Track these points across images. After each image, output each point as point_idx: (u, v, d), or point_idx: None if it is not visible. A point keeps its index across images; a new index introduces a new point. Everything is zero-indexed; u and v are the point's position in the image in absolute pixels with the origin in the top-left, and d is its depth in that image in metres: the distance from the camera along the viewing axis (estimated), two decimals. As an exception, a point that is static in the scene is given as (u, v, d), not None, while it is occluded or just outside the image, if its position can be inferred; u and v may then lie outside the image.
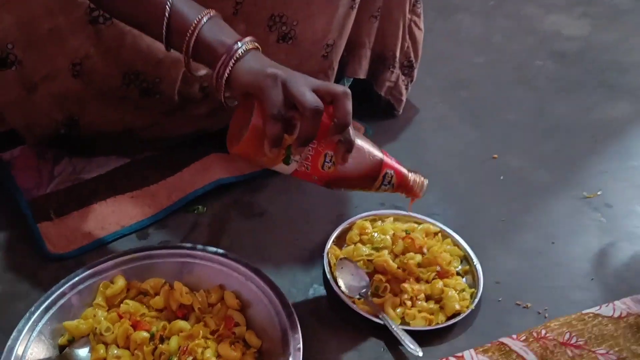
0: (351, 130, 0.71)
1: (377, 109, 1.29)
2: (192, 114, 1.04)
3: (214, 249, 0.85)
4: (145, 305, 0.81)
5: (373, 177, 0.76)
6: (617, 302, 0.84)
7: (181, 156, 1.07)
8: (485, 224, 1.04)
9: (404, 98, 1.27)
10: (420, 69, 1.31)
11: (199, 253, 0.85)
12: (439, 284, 0.87)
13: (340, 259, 0.89)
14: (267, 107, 0.66)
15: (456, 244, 0.95)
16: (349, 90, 0.70)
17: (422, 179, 0.81)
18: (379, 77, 1.22)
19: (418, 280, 0.88)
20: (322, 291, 0.88)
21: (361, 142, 0.75)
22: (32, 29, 0.86)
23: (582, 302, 0.90)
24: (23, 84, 0.90)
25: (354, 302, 0.84)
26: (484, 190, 1.12)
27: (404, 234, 0.94)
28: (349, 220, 0.97)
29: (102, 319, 0.77)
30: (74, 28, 0.88)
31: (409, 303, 0.84)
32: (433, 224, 0.98)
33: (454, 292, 0.85)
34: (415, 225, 0.98)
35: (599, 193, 1.13)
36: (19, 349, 0.71)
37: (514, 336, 0.78)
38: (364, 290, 0.86)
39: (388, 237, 0.93)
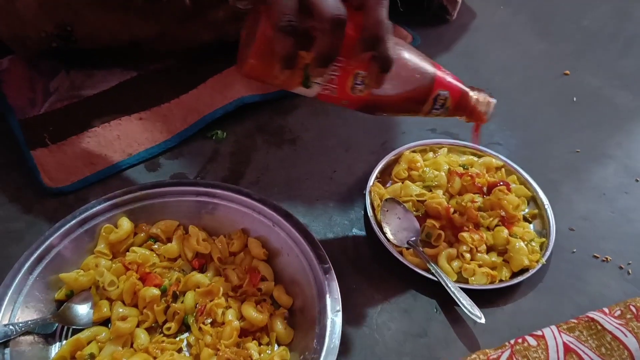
0: (389, 43, 0.54)
1: (427, 13, 1.09)
2: (208, 19, 0.87)
3: (236, 187, 0.71)
4: (155, 254, 0.68)
5: (421, 100, 0.61)
6: None
7: (197, 70, 0.90)
8: (555, 157, 0.88)
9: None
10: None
11: (219, 191, 0.71)
12: (504, 232, 0.72)
13: (386, 199, 0.74)
14: (274, 15, 0.50)
15: (523, 182, 0.80)
16: None
17: (489, 98, 0.64)
18: None
19: (477, 227, 0.74)
20: (363, 237, 0.75)
21: (407, 55, 0.58)
22: None
23: (672, 254, 0.76)
24: None
25: (401, 253, 0.71)
26: (553, 114, 0.95)
27: (461, 169, 0.78)
28: (395, 152, 0.81)
29: (105, 270, 0.64)
30: None
31: (467, 256, 0.71)
32: (495, 157, 0.82)
33: (521, 243, 0.71)
34: (474, 158, 0.82)
35: (692, 119, 0.95)
36: (4, 310, 0.60)
37: (606, 310, 0.63)
38: (413, 238, 0.72)
39: (442, 173, 0.77)
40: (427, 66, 0.60)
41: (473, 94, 0.63)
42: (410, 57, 0.59)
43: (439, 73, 0.60)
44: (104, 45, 0.85)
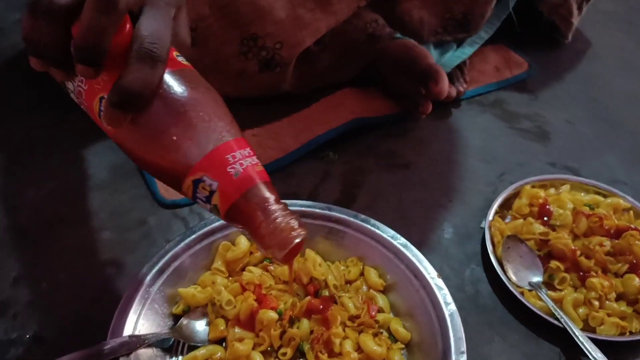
0: (150, 69, 0.40)
1: (538, 34, 1.05)
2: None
3: (353, 212, 0.70)
4: (271, 275, 0.67)
5: (175, 176, 0.43)
6: None
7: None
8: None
9: (574, 20, 1.01)
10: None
11: (335, 215, 0.69)
12: (635, 280, 0.67)
13: (508, 236, 0.71)
14: None
15: (653, 227, 0.75)
16: None
17: (295, 227, 0.43)
18: None
19: (605, 272, 0.69)
20: (481, 274, 0.71)
21: (181, 102, 0.42)
22: None
23: None
24: None
25: (522, 293, 0.67)
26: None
27: (587, 209, 0.74)
28: (515, 185, 0.78)
29: (223, 288, 0.64)
30: None
31: (596, 303, 0.66)
32: (623, 197, 0.77)
33: (656, 292, 0.66)
34: (599, 197, 0.78)
35: None
36: (130, 318, 0.60)
37: None
38: (535, 279, 0.68)
39: (568, 212, 0.73)
40: (203, 132, 0.41)
41: (272, 209, 0.43)
42: (186, 108, 0.42)
43: (218, 153, 0.41)
44: None
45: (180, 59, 0.45)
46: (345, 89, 0.89)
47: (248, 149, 0.44)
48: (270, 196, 0.43)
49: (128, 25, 0.42)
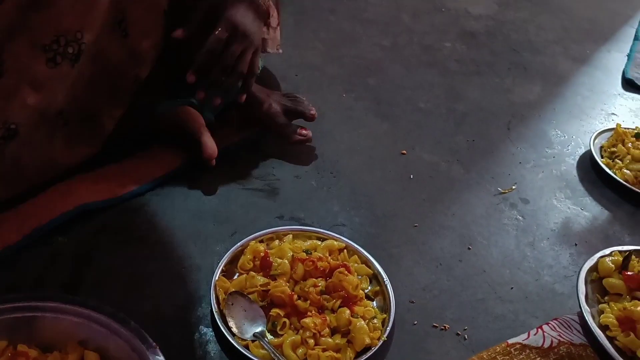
0: None
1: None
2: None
3: (68, 296, 0.69)
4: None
5: None
6: (546, 328, 0.75)
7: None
8: (397, 232, 0.93)
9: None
10: (322, 53, 1.18)
11: (49, 304, 0.68)
12: (346, 313, 0.75)
13: (230, 293, 0.75)
14: None
15: (364, 260, 0.84)
16: None
17: None
18: None
19: (323, 309, 0.76)
20: (210, 335, 0.74)
21: None
22: None
23: (502, 316, 0.82)
24: None
25: (247, 346, 0.71)
26: (394, 191, 1.02)
27: (304, 255, 0.81)
28: (241, 242, 0.83)
29: None
30: None
31: (311, 341, 0.72)
32: (337, 239, 0.86)
33: (362, 322, 0.74)
34: (318, 242, 0.86)
35: (514, 187, 1.06)
36: None
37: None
38: (259, 329, 0.72)
39: (286, 261, 0.80)
40: None
41: None
42: None
43: None
44: None
45: None
46: (77, 177, 0.89)
47: None
48: None
49: None
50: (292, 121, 1.05)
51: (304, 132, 1.04)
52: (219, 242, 0.86)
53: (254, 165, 1.01)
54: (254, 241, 0.83)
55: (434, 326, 0.79)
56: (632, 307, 0.70)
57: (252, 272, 0.78)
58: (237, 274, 0.80)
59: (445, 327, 0.79)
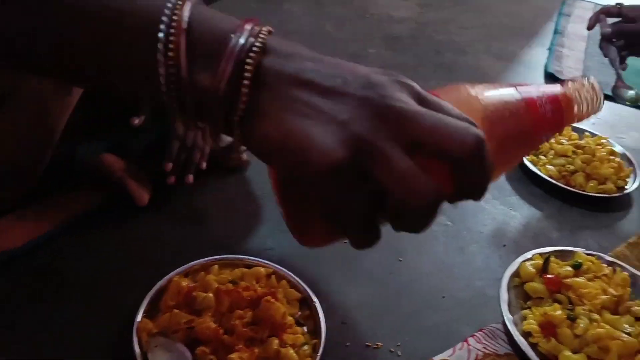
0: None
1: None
2: None
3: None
4: None
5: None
6: (471, 341, 0.76)
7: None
8: (327, 250, 0.89)
9: None
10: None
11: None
12: (274, 343, 0.73)
13: (152, 335, 0.72)
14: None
15: (294, 284, 0.83)
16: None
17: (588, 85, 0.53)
18: None
19: (253, 341, 0.74)
20: (133, 384, 0.71)
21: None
22: None
23: (436, 327, 0.82)
24: None
25: (172, 390, 0.69)
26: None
27: (230, 285, 0.79)
28: (166, 278, 0.80)
29: None
30: None
31: (239, 378, 0.70)
32: (265, 265, 0.84)
33: (291, 350, 0.73)
34: (246, 269, 0.84)
35: (443, 192, 1.06)
36: None
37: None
38: (184, 370, 0.70)
39: (210, 294, 0.78)
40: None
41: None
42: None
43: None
44: None
45: None
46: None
47: None
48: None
49: None
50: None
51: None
52: (143, 279, 0.83)
53: (180, 194, 0.98)
54: (177, 276, 0.81)
55: (367, 345, 0.79)
56: (552, 312, 0.71)
57: (175, 310, 0.76)
58: (161, 312, 0.78)
59: (378, 345, 0.79)
